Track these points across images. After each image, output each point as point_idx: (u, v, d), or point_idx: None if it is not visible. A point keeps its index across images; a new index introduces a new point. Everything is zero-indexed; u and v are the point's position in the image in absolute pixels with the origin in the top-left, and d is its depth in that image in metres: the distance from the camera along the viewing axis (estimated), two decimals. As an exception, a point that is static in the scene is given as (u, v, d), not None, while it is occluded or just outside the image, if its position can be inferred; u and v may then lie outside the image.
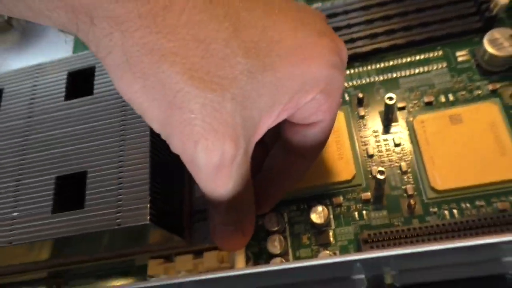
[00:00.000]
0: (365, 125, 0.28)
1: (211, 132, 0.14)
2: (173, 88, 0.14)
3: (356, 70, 0.30)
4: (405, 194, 0.26)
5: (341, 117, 0.28)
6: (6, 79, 0.25)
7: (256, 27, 0.15)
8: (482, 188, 0.24)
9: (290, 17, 0.16)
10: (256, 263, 0.25)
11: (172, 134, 0.15)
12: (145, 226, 0.20)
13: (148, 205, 0.20)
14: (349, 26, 0.31)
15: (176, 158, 0.24)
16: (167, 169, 0.23)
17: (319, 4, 0.33)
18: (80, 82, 0.24)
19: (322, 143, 0.21)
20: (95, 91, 0.24)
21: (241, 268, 0.24)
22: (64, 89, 0.24)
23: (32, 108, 0.24)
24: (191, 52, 0.14)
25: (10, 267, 0.26)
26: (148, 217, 0.20)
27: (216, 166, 0.15)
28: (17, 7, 0.14)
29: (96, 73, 0.24)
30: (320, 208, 0.25)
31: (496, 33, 0.27)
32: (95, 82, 0.24)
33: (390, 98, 0.26)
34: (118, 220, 0.20)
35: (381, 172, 0.24)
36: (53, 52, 0.39)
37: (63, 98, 0.24)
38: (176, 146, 0.16)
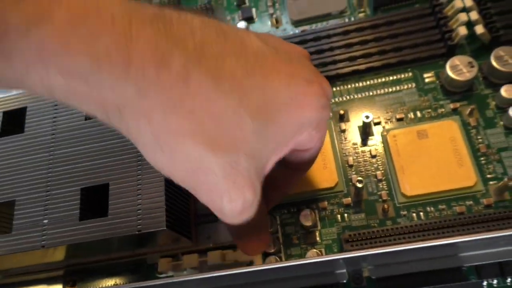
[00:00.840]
0: (346, 138, 0.32)
1: (232, 186, 0.18)
2: (197, 158, 0.17)
3: (338, 88, 0.34)
4: (380, 199, 0.30)
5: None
6: (29, 98, 0.28)
7: (257, 91, 0.18)
8: (444, 194, 0.29)
9: (282, 73, 0.19)
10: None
11: (200, 191, 0.19)
12: (162, 231, 0.24)
13: (165, 212, 0.24)
14: (331, 49, 0.35)
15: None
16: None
17: (306, 27, 0.37)
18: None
19: (314, 159, 0.24)
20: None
21: (240, 267, 0.28)
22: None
23: (55, 126, 0.27)
24: (207, 127, 0.17)
25: (30, 266, 0.29)
26: (165, 223, 0.24)
27: (240, 211, 0.19)
28: (69, 100, 0.17)
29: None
30: (308, 211, 0.29)
31: (456, 60, 0.31)
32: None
33: (367, 117, 0.30)
34: (138, 227, 0.24)
35: (359, 181, 0.28)
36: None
37: (83, 118, 0.27)
38: (204, 200, 0.19)
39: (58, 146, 0.26)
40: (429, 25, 0.34)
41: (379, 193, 0.30)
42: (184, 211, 0.27)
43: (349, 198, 0.30)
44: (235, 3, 0.40)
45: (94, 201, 0.25)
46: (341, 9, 0.37)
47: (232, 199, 0.18)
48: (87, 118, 0.27)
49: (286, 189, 0.26)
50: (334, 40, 0.35)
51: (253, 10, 0.39)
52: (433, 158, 0.30)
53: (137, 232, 0.24)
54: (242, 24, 0.37)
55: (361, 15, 0.37)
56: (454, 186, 0.29)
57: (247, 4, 0.39)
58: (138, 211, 0.24)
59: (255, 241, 0.24)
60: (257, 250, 0.26)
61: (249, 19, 0.38)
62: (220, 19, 0.40)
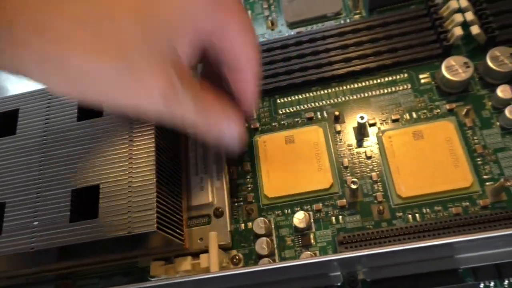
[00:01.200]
0: (341, 139, 0.32)
1: (140, 79, 0.20)
2: (94, 68, 0.20)
3: (333, 90, 0.34)
4: (375, 201, 0.29)
5: (320, 132, 0.32)
6: (22, 100, 0.28)
7: None
8: (440, 195, 0.29)
9: None
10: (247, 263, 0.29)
11: (118, 95, 0.21)
12: (152, 233, 0.23)
13: (155, 214, 0.24)
14: (327, 50, 0.34)
15: (177, 171, 0.27)
16: (169, 181, 0.27)
17: (302, 29, 0.37)
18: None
19: (247, 60, 0.25)
20: (104, 113, 0.27)
21: (234, 268, 0.27)
22: (76, 111, 0.27)
23: (47, 127, 0.27)
24: (88, 34, 0.19)
25: (21, 269, 0.28)
26: (155, 225, 0.23)
27: (166, 96, 0.20)
28: None
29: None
30: (302, 214, 0.29)
31: (452, 60, 0.31)
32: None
33: (362, 117, 0.30)
34: (129, 228, 0.23)
35: (354, 182, 0.28)
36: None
37: (75, 119, 0.27)
38: (127, 102, 0.21)
39: (49, 147, 0.26)
40: (424, 26, 0.34)
41: (374, 194, 0.30)
42: (176, 212, 0.27)
43: (344, 200, 0.30)
44: (230, 6, 0.40)
45: (84, 203, 0.25)
46: (337, 11, 0.37)
47: (148, 89, 0.20)
48: (79, 119, 0.27)
49: (247, 77, 0.26)
50: (329, 42, 0.35)
51: (249, 12, 0.39)
52: (429, 159, 0.29)
53: (127, 234, 0.23)
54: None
55: (357, 17, 0.37)
56: (450, 187, 0.28)
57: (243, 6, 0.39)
58: (129, 213, 0.24)
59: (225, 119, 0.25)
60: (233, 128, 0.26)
61: (244, 21, 0.38)
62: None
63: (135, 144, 0.26)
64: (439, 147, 0.29)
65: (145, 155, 0.25)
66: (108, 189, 0.25)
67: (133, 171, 0.25)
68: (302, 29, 0.37)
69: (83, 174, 0.25)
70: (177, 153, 0.30)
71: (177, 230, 0.27)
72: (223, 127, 0.25)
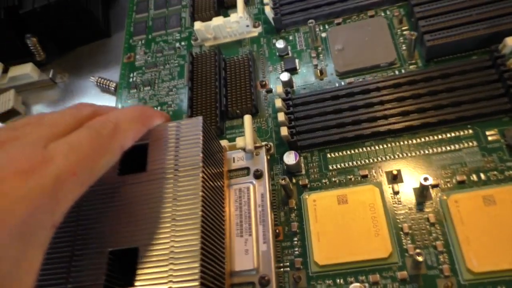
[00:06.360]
0: (399, 202, 0.29)
1: None
2: None
3: (389, 145, 0.31)
4: (441, 275, 0.26)
5: (376, 192, 0.29)
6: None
7: None
8: (519, 272, 0.25)
9: None
10: None
11: None
12: (194, 306, 0.21)
13: (199, 286, 0.21)
14: (381, 102, 0.32)
15: (221, 234, 0.25)
16: (214, 247, 0.24)
17: (351, 79, 0.35)
18: (134, 157, 0.26)
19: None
20: (148, 167, 0.25)
21: None
22: (118, 164, 0.25)
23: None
24: None
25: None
26: (198, 298, 0.21)
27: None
28: None
29: (149, 149, 0.25)
30: (357, 285, 0.26)
31: (526, 117, 0.28)
32: (148, 159, 0.25)
33: (426, 179, 0.27)
34: (169, 300, 0.21)
35: (419, 254, 0.25)
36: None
37: (117, 172, 0.25)
38: None
39: (87, 202, 0.24)
40: (490, 78, 0.31)
41: (440, 267, 0.26)
42: (219, 280, 0.24)
43: (405, 272, 0.26)
44: (277, 54, 0.38)
45: (123, 267, 0.23)
46: (391, 61, 0.35)
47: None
48: (121, 172, 0.25)
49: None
50: (384, 94, 0.32)
51: (296, 61, 0.37)
52: (504, 228, 0.26)
53: (166, 306, 0.21)
54: (285, 75, 0.35)
55: (412, 67, 0.34)
56: (532, 264, 0.25)
57: (290, 55, 0.38)
58: (169, 282, 0.21)
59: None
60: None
61: (292, 70, 0.37)
62: (260, 69, 0.38)
63: (179, 203, 0.23)
64: (515, 215, 0.26)
65: (190, 216, 0.23)
66: (147, 252, 0.22)
67: (176, 234, 0.23)
68: (352, 79, 0.35)
69: (122, 234, 0.23)
70: (221, 212, 0.27)
71: (219, 299, 0.24)
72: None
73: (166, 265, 0.22)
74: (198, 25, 0.40)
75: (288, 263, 0.29)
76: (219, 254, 0.25)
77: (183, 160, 0.25)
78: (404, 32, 0.36)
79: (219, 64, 0.37)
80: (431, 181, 0.27)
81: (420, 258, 0.25)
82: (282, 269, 0.28)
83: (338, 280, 0.27)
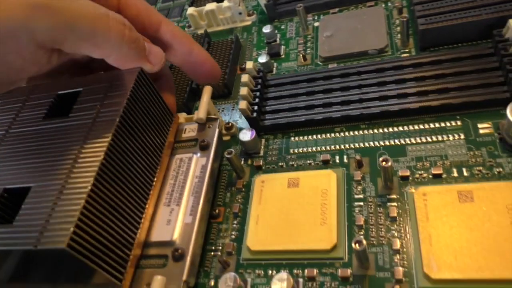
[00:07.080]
0: (359, 191, 0.24)
1: None
2: None
3: (361, 132, 0.27)
4: (392, 279, 0.21)
5: (332, 178, 0.25)
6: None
7: None
8: (491, 286, 0.19)
9: None
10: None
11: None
12: (62, 251, 0.18)
13: (72, 228, 0.18)
14: (359, 86, 0.28)
15: (139, 194, 0.22)
16: (120, 200, 0.21)
17: (334, 65, 0.32)
18: (66, 103, 0.24)
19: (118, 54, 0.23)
20: (71, 113, 0.23)
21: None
22: (46, 109, 0.24)
23: (14, 122, 0.24)
24: None
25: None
26: (66, 242, 0.18)
27: None
28: None
29: (80, 96, 0.24)
30: (285, 276, 0.21)
31: (523, 103, 0.23)
32: (75, 105, 0.23)
33: (385, 160, 0.22)
34: (36, 241, 0.18)
35: (359, 243, 0.20)
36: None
37: (42, 116, 0.24)
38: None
39: (9, 139, 0.23)
40: (490, 66, 0.26)
41: (391, 269, 0.21)
42: (119, 241, 0.21)
43: (349, 270, 0.22)
44: (265, 41, 0.36)
45: (15, 206, 0.21)
46: (380, 48, 0.31)
47: None
48: (46, 117, 0.24)
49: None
50: (364, 78, 0.29)
51: (282, 47, 0.35)
52: (480, 231, 0.20)
53: (32, 248, 0.18)
54: (263, 57, 0.33)
55: (404, 55, 0.30)
56: (500, 276, 0.19)
57: (278, 42, 0.36)
58: (46, 222, 0.19)
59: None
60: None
61: (275, 55, 0.34)
62: (246, 55, 0.36)
63: (87, 144, 0.21)
64: (499, 217, 0.21)
65: (92, 157, 0.21)
66: (38, 193, 0.20)
67: (71, 175, 0.20)
68: (335, 65, 0.32)
69: (18, 173, 0.21)
70: (144, 176, 0.24)
71: (114, 265, 0.21)
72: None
73: (50, 206, 0.19)
74: (191, 10, 0.39)
75: (220, 247, 0.25)
76: (127, 213, 0.22)
77: (105, 109, 0.23)
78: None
79: (201, 45, 0.36)
80: (390, 163, 0.22)
81: (357, 247, 0.20)
82: (212, 253, 0.25)
83: (270, 271, 0.23)
